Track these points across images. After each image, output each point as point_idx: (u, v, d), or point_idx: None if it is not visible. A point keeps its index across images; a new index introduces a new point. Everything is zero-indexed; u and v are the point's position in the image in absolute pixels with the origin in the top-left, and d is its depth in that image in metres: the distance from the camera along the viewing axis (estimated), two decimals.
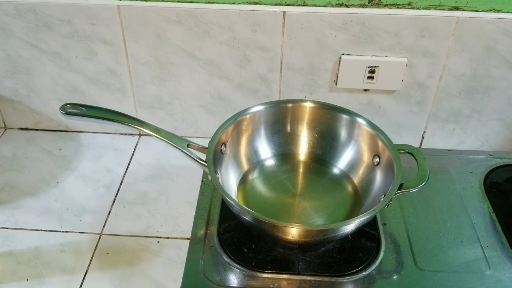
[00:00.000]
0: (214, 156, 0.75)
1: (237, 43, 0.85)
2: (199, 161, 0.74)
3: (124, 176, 0.90)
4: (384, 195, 0.73)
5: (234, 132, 0.82)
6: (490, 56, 0.84)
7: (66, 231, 0.79)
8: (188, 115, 0.97)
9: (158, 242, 0.78)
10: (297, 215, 0.78)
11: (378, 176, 0.79)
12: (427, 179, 0.72)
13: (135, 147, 0.98)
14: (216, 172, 0.74)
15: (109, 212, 0.83)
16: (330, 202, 0.81)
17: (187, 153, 0.75)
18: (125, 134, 1.01)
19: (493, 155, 0.95)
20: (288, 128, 0.87)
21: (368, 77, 0.87)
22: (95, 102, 0.95)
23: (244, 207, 0.70)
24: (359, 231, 0.74)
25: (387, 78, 0.87)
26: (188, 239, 0.78)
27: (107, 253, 0.75)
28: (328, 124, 0.85)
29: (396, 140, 0.80)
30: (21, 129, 1.02)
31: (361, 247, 0.76)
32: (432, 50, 0.84)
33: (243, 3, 0.82)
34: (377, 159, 0.80)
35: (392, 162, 0.74)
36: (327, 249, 0.75)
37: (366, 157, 0.83)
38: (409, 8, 0.82)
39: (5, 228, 0.79)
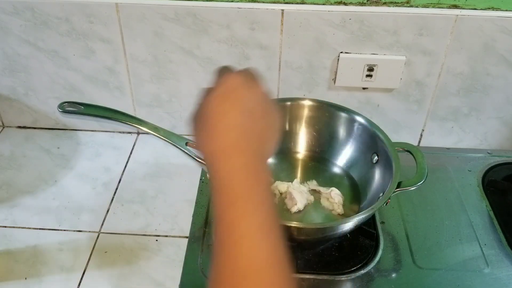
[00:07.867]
0: None
1: (235, 41, 0.85)
2: (198, 159, 0.74)
3: (122, 174, 0.90)
4: (383, 193, 0.73)
5: None
6: (489, 54, 0.84)
7: (64, 230, 0.79)
8: (187, 113, 0.95)
9: (157, 240, 0.78)
10: (295, 213, 0.78)
11: (377, 174, 0.79)
12: (426, 177, 0.72)
13: (134, 145, 0.98)
14: None
15: (108, 211, 0.83)
16: None
17: (186, 151, 0.75)
18: (123, 132, 1.00)
19: (491, 153, 0.95)
20: (287, 126, 0.87)
21: (367, 75, 0.87)
22: (93, 100, 0.95)
23: None
24: (357, 229, 0.74)
25: (385, 77, 0.87)
26: (186, 237, 0.78)
27: (106, 252, 0.75)
28: (327, 122, 0.85)
29: (394, 138, 0.79)
30: (19, 127, 1.01)
31: (360, 245, 0.76)
32: (430, 48, 0.84)
33: (241, 1, 0.82)
34: (376, 157, 0.80)
35: (391, 160, 0.74)
36: (325, 248, 0.75)
37: (364, 155, 0.82)
38: (408, 6, 0.82)
39: (3, 226, 0.79)
